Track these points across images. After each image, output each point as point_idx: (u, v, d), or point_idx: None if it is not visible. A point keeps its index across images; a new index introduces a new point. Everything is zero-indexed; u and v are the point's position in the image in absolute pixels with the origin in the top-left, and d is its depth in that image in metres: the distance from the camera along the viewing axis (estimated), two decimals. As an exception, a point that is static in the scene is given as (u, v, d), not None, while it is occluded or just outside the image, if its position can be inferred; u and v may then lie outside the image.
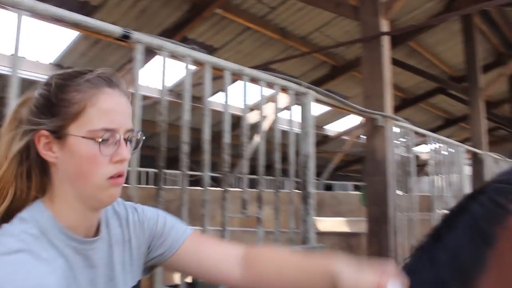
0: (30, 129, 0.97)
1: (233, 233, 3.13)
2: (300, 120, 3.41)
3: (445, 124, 16.86)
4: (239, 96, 3.16)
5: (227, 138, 2.73)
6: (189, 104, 2.51)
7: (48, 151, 0.97)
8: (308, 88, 3.36)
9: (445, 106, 15.70)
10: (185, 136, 2.44)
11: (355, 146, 15.11)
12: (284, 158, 4.13)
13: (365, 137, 4.77)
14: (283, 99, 3.33)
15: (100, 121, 0.95)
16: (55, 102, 0.96)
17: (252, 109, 4.56)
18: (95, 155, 0.94)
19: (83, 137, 0.94)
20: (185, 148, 2.42)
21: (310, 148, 3.23)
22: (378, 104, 4.62)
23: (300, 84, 3.29)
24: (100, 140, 0.94)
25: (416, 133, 5.60)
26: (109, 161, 0.96)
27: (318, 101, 3.71)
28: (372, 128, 4.59)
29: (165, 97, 2.41)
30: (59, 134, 0.95)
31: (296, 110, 3.35)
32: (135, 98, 2.32)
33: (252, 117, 4.70)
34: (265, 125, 3.03)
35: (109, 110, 0.96)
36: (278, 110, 3.24)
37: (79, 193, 0.98)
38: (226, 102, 2.78)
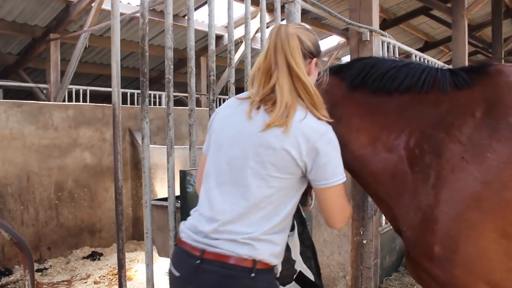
0: (313, 56, 1.74)
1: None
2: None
3: (425, 47, 16.73)
4: (220, 14, 2.97)
5: (212, 44, 2.58)
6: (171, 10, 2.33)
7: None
8: (296, -4, 3.17)
9: (426, 28, 15.51)
10: (169, 41, 2.29)
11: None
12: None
13: (349, 54, 4.64)
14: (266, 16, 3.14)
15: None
16: (319, 46, 1.77)
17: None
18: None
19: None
20: (169, 53, 2.28)
21: (297, 59, 3.10)
22: (365, 18, 4.46)
23: (288, -8, 3.10)
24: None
25: (400, 53, 5.50)
26: None
27: (304, 13, 3.53)
28: (358, 43, 4.46)
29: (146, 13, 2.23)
30: (318, 63, 1.77)
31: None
32: (115, 15, 2.14)
33: (235, 34, 4.50)
34: (249, 41, 2.86)
35: None
36: (264, 18, 3.07)
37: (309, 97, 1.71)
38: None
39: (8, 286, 5.29)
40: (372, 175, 1.95)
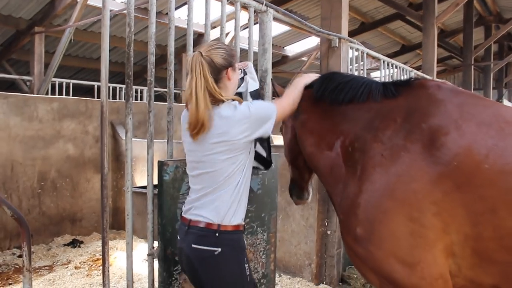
0: (227, 66, 2.19)
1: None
2: (258, 38, 3.60)
3: (402, 50, 17.26)
4: (199, 13, 3.22)
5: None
6: (155, 14, 2.65)
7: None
8: (268, 6, 3.51)
9: (402, 32, 16.00)
10: (152, 47, 2.62)
11: (313, 67, 15.38)
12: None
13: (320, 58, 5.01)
14: (243, 17, 3.40)
15: None
16: (233, 55, 2.26)
17: (212, 27, 4.64)
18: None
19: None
20: (152, 59, 2.60)
21: (268, 64, 3.45)
22: (335, 25, 4.83)
23: (261, 3, 3.44)
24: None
25: (372, 58, 5.88)
26: None
27: (277, 20, 3.88)
28: (328, 49, 4.83)
29: (132, 9, 2.54)
30: (234, 67, 2.26)
31: (256, 29, 3.51)
32: (105, 25, 2.44)
33: (213, 34, 4.78)
34: (226, 41, 3.18)
35: None
36: (238, 27, 3.40)
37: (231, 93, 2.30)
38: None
39: (-8, 269, 5.54)
40: (319, 169, 2.40)
